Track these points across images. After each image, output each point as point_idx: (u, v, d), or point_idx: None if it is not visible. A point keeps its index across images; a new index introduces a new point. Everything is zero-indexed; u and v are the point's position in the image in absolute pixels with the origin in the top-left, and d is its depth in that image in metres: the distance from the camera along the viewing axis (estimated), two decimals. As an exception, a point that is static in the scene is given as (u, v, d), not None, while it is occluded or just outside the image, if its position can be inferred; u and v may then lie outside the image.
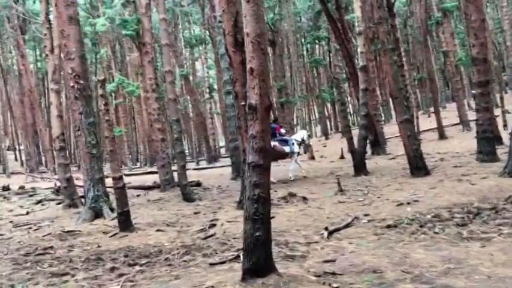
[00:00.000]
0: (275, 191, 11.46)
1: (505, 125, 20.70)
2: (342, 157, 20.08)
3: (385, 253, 4.94)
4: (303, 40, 44.34)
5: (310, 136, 15.92)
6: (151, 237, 7.37)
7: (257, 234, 4.07)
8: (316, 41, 39.63)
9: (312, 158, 21.75)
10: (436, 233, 5.65)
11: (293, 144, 13.83)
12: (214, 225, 7.86)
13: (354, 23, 19.55)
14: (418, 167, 10.84)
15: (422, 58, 33.63)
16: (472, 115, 28.37)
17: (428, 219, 6.50)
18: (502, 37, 32.35)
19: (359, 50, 13.94)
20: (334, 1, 20.76)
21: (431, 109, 33.71)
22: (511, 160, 9.06)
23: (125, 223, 7.96)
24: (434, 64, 35.45)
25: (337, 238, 6.02)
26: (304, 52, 45.21)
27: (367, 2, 20.40)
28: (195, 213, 9.48)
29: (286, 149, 13.65)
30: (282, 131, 14.60)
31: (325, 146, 28.74)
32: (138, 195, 13.52)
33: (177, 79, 36.79)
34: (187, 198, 11.23)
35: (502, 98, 23.29)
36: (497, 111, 21.18)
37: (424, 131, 26.24)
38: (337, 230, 6.45)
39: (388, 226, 6.33)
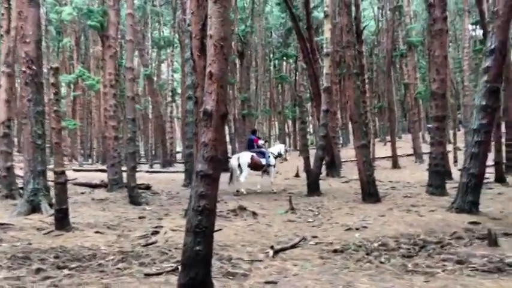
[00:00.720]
0: (225, 203, 11.22)
1: (455, 161, 21.39)
2: (297, 175, 20.07)
3: (328, 279, 4.79)
4: (271, 56, 44.68)
5: (287, 151, 16.43)
6: (89, 239, 6.95)
7: (198, 248, 3.81)
8: (284, 58, 39.99)
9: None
10: (382, 262, 5.56)
11: (269, 157, 13.96)
12: (157, 232, 7.52)
13: (323, 44, 19.83)
14: (370, 193, 10.89)
15: (384, 87, 34.52)
16: (425, 148, 29.32)
17: (375, 247, 6.43)
18: (461, 77, 33.74)
19: (324, 71, 14.01)
20: (305, 20, 20.94)
21: (388, 138, 34.56)
22: (459, 196, 9.21)
23: (62, 221, 7.48)
24: (395, 95, 36.44)
25: (282, 258, 5.84)
26: (272, 67, 45.53)
27: (337, 26, 20.75)
28: (140, 217, 9.09)
29: (263, 161, 13.78)
30: (260, 142, 14.74)
31: (281, 163, 28.66)
32: (82, 193, 12.92)
33: (141, 78, 36.06)
34: (134, 201, 10.79)
35: (455, 135, 24.17)
36: (449, 147, 21.87)
37: (378, 158, 26.76)
38: (283, 249, 6.27)
39: (335, 251, 6.21)
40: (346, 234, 7.47)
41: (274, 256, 5.90)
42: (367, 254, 6.00)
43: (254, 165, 13.61)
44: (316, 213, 9.81)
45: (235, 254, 5.93)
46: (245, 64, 35.65)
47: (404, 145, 31.64)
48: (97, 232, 7.42)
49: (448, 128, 25.96)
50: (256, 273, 5.06)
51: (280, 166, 26.66)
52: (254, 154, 13.65)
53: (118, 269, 5.15)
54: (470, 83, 30.74)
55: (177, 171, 22.89)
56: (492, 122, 9.01)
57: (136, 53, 32.06)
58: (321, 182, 13.94)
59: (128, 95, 11.20)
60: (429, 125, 40.79)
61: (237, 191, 13.16)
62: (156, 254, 5.88)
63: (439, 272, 5.02)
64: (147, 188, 13.37)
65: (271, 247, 6.12)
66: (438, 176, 12.01)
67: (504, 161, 16.25)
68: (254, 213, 9.41)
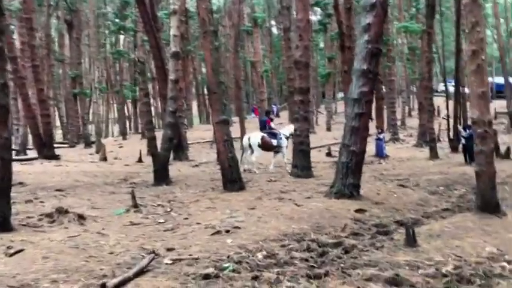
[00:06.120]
0: (41, 202, 8.18)
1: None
2: (140, 161, 17.31)
3: None
4: (106, 31, 40.12)
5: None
6: None
7: None
8: (122, 32, 35.99)
9: (104, 159, 18.40)
10: (285, 294, 3.57)
11: (281, 138, 13.56)
12: None
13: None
14: (232, 179, 8.91)
15: (229, 66, 33.27)
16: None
17: (261, 262, 4.45)
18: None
19: (172, 32, 11.51)
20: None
21: (233, 119, 33.53)
22: (338, 178, 7.81)
23: None
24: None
25: (122, 305, 3.45)
26: (107, 42, 40.99)
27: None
28: None
29: (274, 142, 13.44)
30: (272, 124, 14.50)
31: (121, 147, 25.47)
32: None
33: None
34: None
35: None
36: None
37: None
38: (122, 283, 3.86)
39: (206, 276, 4.03)
40: (215, 241, 5.35)
41: (108, 300, 3.48)
42: (255, 278, 3.95)
43: (264, 146, 13.36)
44: (169, 209, 7.51)
45: (33, 307, 3.33)
46: (74, 35, 31.06)
47: (248, 126, 30.88)
48: None
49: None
50: None
51: (120, 150, 23.48)
52: (265, 135, 13.44)
53: None
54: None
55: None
56: (373, 89, 7.76)
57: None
58: (169, 167, 11.61)
59: None
60: (274, 105, 41.26)
61: (244, 170, 12.65)
62: None
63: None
64: None
65: (102, 285, 3.64)
66: (304, 156, 10.71)
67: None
68: (81, 217, 6.68)
